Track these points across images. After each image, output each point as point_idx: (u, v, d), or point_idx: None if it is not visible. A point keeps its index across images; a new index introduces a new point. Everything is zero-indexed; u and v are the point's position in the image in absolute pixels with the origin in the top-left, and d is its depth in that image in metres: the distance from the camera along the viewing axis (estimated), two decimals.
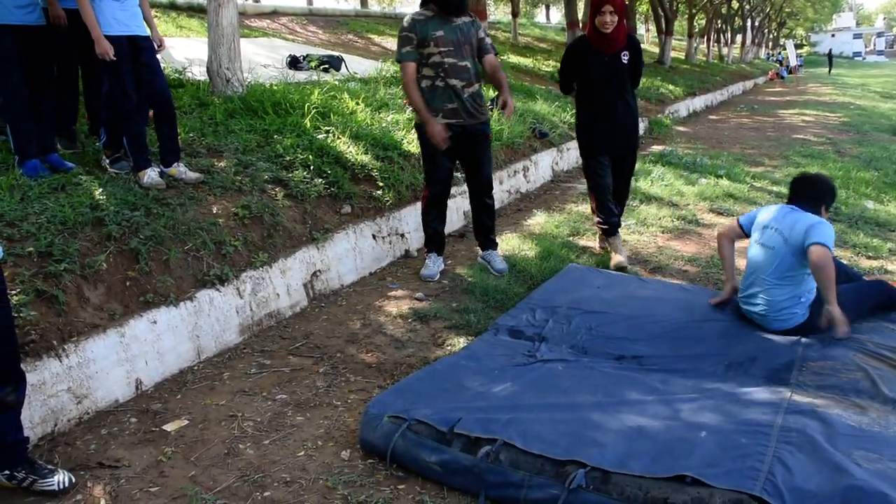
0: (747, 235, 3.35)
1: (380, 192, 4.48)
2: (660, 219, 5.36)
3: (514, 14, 19.24)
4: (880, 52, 64.35)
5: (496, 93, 4.08)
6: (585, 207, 5.55)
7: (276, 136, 4.57)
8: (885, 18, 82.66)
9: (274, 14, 13.55)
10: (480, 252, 4.27)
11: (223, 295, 3.30)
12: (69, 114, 3.99)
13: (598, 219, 4.37)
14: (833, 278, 2.88)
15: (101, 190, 3.37)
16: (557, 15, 41.24)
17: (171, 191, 3.59)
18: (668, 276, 4.19)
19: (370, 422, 2.42)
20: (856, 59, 59.49)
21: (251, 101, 5.12)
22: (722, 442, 2.22)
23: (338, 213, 4.19)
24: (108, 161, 3.77)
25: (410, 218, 4.65)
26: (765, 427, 2.30)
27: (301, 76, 7.15)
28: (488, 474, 2.16)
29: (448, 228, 4.44)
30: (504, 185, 6.09)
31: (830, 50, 43.85)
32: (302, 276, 3.77)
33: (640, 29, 31.85)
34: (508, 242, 4.69)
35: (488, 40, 3.92)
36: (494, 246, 4.25)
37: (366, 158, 4.62)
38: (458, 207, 5.22)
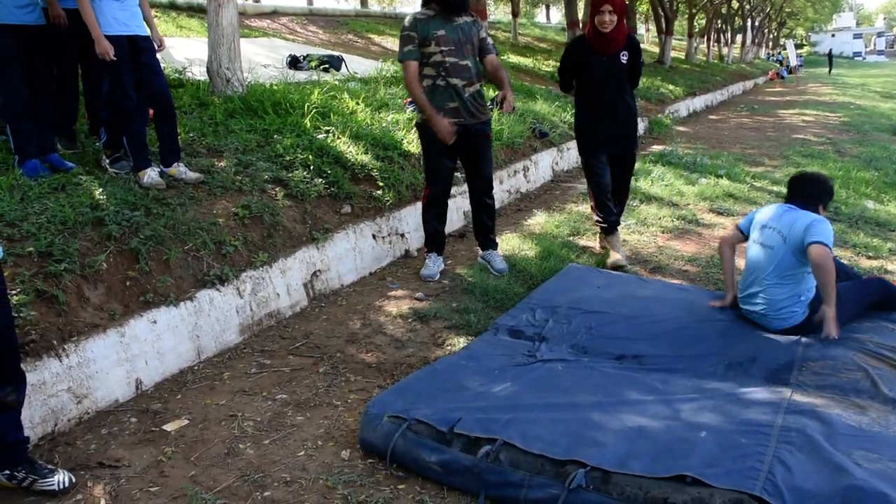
0: (748, 238, 3.35)
1: (380, 191, 4.48)
2: (660, 219, 5.36)
3: (514, 14, 19.24)
4: (880, 52, 64.30)
5: (496, 92, 4.08)
6: (585, 207, 5.54)
7: (276, 136, 4.57)
8: (885, 18, 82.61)
9: (274, 14, 13.56)
10: (480, 252, 4.27)
11: (223, 295, 3.30)
12: (69, 114, 3.99)
13: (596, 217, 4.39)
14: (833, 277, 2.88)
15: (101, 190, 3.37)
16: (557, 15, 41.27)
17: (171, 191, 3.59)
18: (668, 276, 4.18)
19: (370, 422, 2.42)
20: (856, 59, 59.44)
21: (251, 101, 5.12)
22: (722, 442, 2.22)
23: (338, 212, 4.19)
24: (108, 161, 3.77)
25: (410, 218, 4.65)
26: (765, 427, 2.30)
27: (301, 76, 7.15)
28: (488, 474, 2.16)
29: (448, 228, 4.43)
30: (504, 185, 6.09)
31: (830, 50, 43.84)
32: (302, 275, 3.77)
33: (641, 29, 31.87)
34: (508, 242, 4.69)
35: (490, 40, 3.92)
36: (494, 246, 4.25)
37: (366, 158, 4.62)
38: (458, 207, 5.22)
